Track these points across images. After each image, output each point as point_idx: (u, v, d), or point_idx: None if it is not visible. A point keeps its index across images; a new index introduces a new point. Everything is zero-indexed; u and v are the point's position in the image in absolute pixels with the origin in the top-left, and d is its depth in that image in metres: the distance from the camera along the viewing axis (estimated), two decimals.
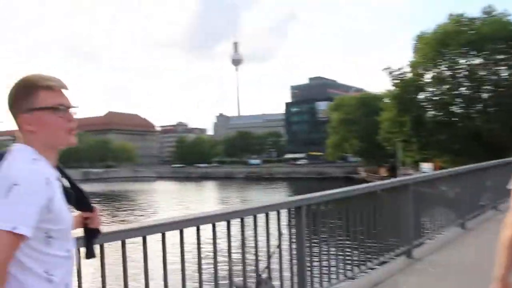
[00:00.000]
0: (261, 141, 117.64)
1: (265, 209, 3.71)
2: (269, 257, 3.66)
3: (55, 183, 1.51)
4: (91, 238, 1.83)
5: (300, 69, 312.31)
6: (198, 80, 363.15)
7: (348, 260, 4.70)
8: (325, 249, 4.44)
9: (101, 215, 1.88)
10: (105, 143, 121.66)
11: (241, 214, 3.46)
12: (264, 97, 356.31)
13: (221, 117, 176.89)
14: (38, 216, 1.39)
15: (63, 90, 1.59)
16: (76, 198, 1.67)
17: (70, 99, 1.60)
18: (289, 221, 3.98)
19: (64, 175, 1.66)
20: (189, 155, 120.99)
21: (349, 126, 64.57)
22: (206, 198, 52.96)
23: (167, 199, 51.23)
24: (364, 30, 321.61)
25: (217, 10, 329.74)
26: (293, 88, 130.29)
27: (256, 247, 3.59)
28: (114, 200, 51.93)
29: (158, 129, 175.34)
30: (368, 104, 62.77)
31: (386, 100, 47.86)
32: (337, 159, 78.26)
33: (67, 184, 1.64)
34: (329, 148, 71.60)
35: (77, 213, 1.78)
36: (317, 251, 4.18)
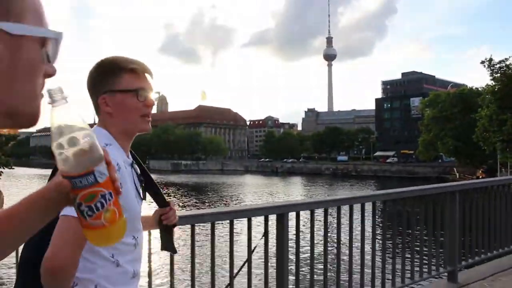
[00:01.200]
0: (350, 138, 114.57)
1: (349, 201, 3.77)
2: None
3: (125, 169, 1.50)
4: (168, 234, 1.81)
5: (395, 64, 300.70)
6: (291, 76, 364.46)
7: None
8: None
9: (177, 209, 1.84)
10: (195, 135, 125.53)
11: (325, 205, 3.54)
12: (356, 93, 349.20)
13: (310, 113, 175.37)
14: None
15: (147, 75, 1.58)
16: (149, 187, 1.69)
17: (151, 85, 1.59)
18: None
19: (138, 164, 1.65)
20: (277, 150, 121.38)
21: (443, 124, 60.42)
22: (292, 192, 52.67)
23: (254, 192, 51.62)
24: (471, 22, 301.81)
25: (312, 5, 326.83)
26: (385, 83, 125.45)
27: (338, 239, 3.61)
28: (203, 191, 53.46)
29: (248, 123, 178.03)
30: (465, 100, 58.42)
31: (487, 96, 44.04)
32: (430, 158, 73.76)
33: (138, 171, 1.62)
34: (421, 147, 67.65)
35: (150, 211, 1.81)
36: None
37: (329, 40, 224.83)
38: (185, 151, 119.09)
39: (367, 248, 3.81)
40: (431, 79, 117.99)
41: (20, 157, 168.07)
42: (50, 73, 0.71)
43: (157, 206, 1.83)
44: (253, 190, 55.28)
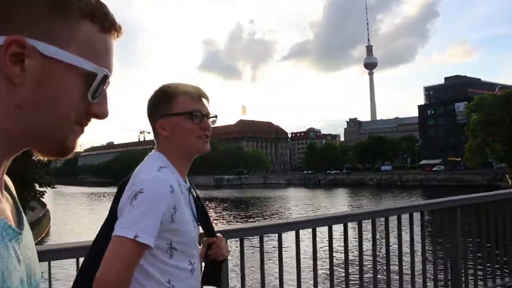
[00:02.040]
0: (394, 146, 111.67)
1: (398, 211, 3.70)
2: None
3: (181, 192, 1.51)
4: (215, 269, 1.71)
5: (439, 69, 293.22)
6: (331, 86, 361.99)
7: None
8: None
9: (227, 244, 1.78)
10: (237, 150, 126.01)
11: (371, 216, 3.51)
12: (399, 101, 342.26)
13: (352, 123, 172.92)
14: (160, 225, 1.40)
15: (203, 99, 1.61)
16: (201, 215, 1.67)
17: (208, 108, 1.62)
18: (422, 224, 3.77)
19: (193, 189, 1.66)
20: (319, 162, 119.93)
21: (491, 128, 57.73)
22: (337, 205, 51.71)
23: (300, 205, 51.08)
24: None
25: (351, 14, 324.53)
26: (427, 89, 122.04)
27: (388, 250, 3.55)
28: (247, 206, 53.53)
29: (290, 136, 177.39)
30: None
31: None
32: (478, 165, 70.62)
33: (195, 195, 1.65)
34: (468, 153, 64.88)
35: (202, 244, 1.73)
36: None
37: (369, 49, 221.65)
38: (228, 166, 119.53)
39: (417, 259, 3.75)
40: (476, 83, 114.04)
41: (69, 176, 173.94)
42: (97, 114, 0.68)
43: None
44: (296, 203, 54.61)
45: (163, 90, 1.60)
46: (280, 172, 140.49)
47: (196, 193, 1.66)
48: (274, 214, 42.10)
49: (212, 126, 1.61)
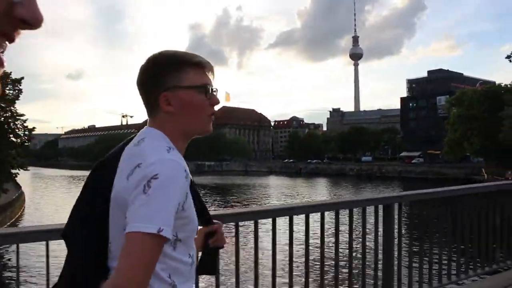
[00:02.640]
0: (375, 138, 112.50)
1: (364, 203, 3.77)
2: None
3: (189, 176, 1.33)
4: (213, 256, 1.66)
5: (424, 63, 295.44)
6: (316, 76, 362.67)
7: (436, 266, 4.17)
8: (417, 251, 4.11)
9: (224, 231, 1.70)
10: (219, 136, 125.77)
11: (336, 207, 3.49)
12: (383, 92, 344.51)
13: (335, 113, 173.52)
14: (175, 215, 1.23)
15: (209, 73, 1.43)
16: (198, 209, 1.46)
17: (213, 82, 1.45)
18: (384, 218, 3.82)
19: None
20: (301, 151, 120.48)
21: (470, 123, 58.42)
22: (316, 194, 52.12)
23: (278, 194, 51.35)
24: (504, 17, 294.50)
25: (339, 4, 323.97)
26: (410, 82, 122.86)
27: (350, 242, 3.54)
28: (227, 193, 53.66)
29: (273, 124, 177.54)
30: (493, 97, 56.30)
31: None
32: (457, 159, 71.54)
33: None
34: (447, 147, 65.66)
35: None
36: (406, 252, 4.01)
37: (355, 39, 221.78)
38: (209, 152, 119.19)
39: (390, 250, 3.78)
40: (459, 77, 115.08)
41: (48, 158, 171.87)
42: (24, 18, 0.55)
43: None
44: (274, 191, 54.94)
45: (168, 57, 1.37)
46: (262, 160, 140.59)
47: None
48: (252, 201, 42.17)
49: None
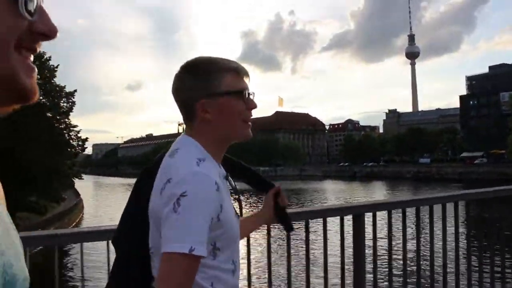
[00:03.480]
0: (434, 138, 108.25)
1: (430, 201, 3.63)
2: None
3: (223, 185, 1.35)
4: (285, 214, 1.79)
5: (486, 59, 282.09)
6: (372, 77, 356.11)
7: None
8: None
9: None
10: (273, 142, 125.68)
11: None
12: (441, 91, 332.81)
13: (391, 114, 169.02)
14: (208, 229, 1.24)
15: (245, 77, 1.42)
16: (255, 181, 1.73)
17: (249, 86, 1.44)
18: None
19: (233, 162, 1.61)
20: (356, 154, 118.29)
21: None
22: (371, 198, 50.57)
23: (334, 198, 50.53)
24: None
25: (393, 3, 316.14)
26: (470, 79, 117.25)
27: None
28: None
29: (328, 127, 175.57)
30: None
31: None
32: None
33: (233, 184, 1.53)
34: (511, 146, 61.96)
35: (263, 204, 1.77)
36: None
37: (411, 38, 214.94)
38: (263, 157, 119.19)
39: (450, 249, 3.64)
40: None
41: (109, 167, 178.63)
42: (43, 31, 0.60)
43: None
44: (330, 196, 54.00)
45: (204, 63, 1.35)
46: (317, 164, 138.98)
47: (232, 181, 1.48)
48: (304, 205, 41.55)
49: None
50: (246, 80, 1.40)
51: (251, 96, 1.39)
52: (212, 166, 1.32)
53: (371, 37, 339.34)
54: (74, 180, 36.50)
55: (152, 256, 1.35)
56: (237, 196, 1.50)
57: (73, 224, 33.44)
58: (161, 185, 1.27)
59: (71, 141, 32.54)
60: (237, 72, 1.37)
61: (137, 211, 1.41)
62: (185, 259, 1.18)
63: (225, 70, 1.35)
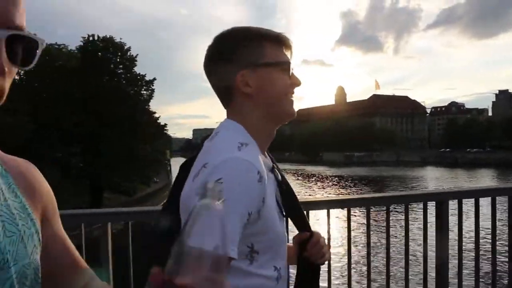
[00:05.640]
0: None
1: None
2: None
3: (267, 177, 1.14)
4: (312, 274, 1.34)
5: None
6: (484, 55, 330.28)
7: None
8: None
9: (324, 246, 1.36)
10: (369, 126, 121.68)
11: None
12: None
13: (502, 95, 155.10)
14: (244, 226, 1.06)
15: (288, 51, 1.26)
16: (289, 204, 1.29)
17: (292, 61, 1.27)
18: None
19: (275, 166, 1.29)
20: (460, 139, 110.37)
21: None
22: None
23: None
24: None
25: None
26: None
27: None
28: (378, 185, 51.23)
29: (430, 110, 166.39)
30: None
31: None
32: None
33: (280, 177, 1.26)
34: None
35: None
36: None
37: None
38: (358, 142, 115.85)
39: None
40: None
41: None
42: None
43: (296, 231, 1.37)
44: (433, 185, 48.57)
45: (243, 31, 1.21)
46: (417, 149, 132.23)
47: (280, 173, 1.26)
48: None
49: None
50: (288, 53, 1.24)
51: (293, 71, 1.23)
52: (257, 153, 1.15)
53: (485, 10, 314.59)
54: (168, 163, 38.85)
55: None
56: (284, 189, 1.23)
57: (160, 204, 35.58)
58: (196, 171, 1.11)
59: (150, 127, 33.59)
60: (280, 42, 1.22)
61: (173, 207, 1.18)
62: None
63: (268, 39, 1.20)
